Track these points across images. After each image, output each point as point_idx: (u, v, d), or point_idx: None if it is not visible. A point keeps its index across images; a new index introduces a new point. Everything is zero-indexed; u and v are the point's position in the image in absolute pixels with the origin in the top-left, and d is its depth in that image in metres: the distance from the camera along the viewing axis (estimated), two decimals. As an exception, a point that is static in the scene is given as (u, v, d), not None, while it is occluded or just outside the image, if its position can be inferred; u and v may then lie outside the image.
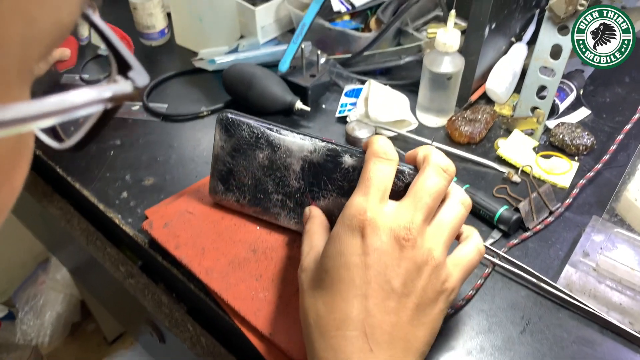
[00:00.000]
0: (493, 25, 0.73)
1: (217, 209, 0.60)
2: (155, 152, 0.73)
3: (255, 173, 0.56)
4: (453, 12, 0.69)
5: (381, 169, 0.45)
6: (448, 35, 0.69)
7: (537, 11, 0.83)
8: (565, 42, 0.66)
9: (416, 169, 0.48)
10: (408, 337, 0.42)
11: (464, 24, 0.87)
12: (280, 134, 0.54)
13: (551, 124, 0.75)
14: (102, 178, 0.69)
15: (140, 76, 0.22)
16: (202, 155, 0.72)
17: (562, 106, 0.76)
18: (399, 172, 0.47)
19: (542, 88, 0.72)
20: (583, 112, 0.79)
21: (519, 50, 0.79)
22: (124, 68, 0.23)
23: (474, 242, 0.48)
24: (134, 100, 0.21)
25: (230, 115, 0.55)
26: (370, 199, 0.43)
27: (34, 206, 0.77)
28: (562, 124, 0.73)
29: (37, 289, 1.56)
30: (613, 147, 0.69)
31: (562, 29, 0.65)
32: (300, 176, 0.54)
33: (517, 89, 0.78)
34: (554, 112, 0.75)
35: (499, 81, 0.76)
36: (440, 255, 0.43)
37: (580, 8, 0.62)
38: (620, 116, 0.78)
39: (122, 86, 0.21)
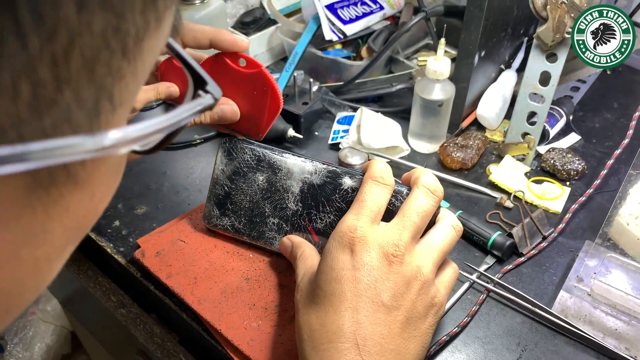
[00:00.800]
0: (482, 53, 0.74)
1: (210, 236, 0.60)
2: (147, 181, 0.72)
3: (253, 196, 0.56)
4: (443, 40, 0.70)
5: (376, 191, 0.47)
6: (438, 63, 0.70)
7: (525, 39, 0.85)
8: (554, 69, 0.67)
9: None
10: (399, 349, 0.42)
11: (454, 52, 0.88)
12: (282, 156, 0.55)
13: (542, 149, 0.76)
14: (94, 207, 0.68)
15: (215, 89, 0.26)
16: (195, 183, 0.72)
17: (553, 132, 0.77)
18: (397, 193, 0.49)
19: (532, 114, 0.73)
20: (573, 138, 0.80)
21: (509, 77, 0.80)
22: (201, 84, 0.26)
23: (451, 264, 0.50)
24: (212, 109, 0.27)
25: (233, 139, 0.56)
26: (361, 219, 0.46)
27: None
28: (553, 149, 0.74)
29: (26, 321, 1.53)
30: (604, 172, 0.70)
31: (550, 57, 0.67)
32: (299, 198, 0.55)
33: (508, 116, 0.79)
34: (544, 137, 0.76)
35: (490, 107, 0.77)
36: (429, 272, 0.45)
37: (567, 36, 0.63)
38: (610, 141, 0.79)
39: (206, 99, 0.25)
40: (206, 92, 0.26)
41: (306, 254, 0.52)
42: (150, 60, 0.22)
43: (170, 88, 0.51)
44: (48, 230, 0.21)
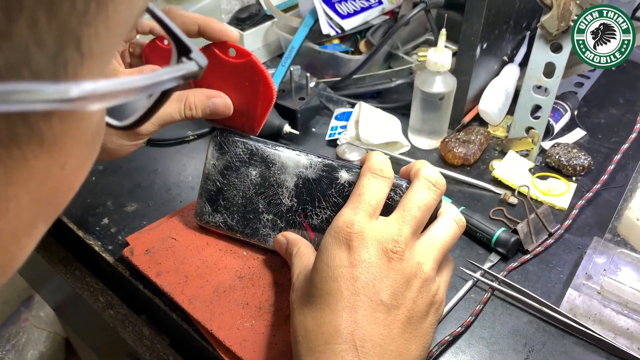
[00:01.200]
0: (484, 45, 0.71)
1: (202, 234, 0.58)
2: (138, 178, 0.70)
3: (247, 192, 0.54)
4: (444, 30, 0.68)
5: (375, 185, 0.44)
6: (439, 55, 0.68)
7: (528, 33, 0.83)
8: (559, 60, 0.64)
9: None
10: (400, 350, 0.40)
11: (454, 48, 0.85)
12: (276, 149, 0.53)
13: (546, 145, 0.73)
14: (83, 204, 0.66)
15: (200, 57, 0.24)
16: (187, 180, 0.70)
17: (557, 127, 0.74)
18: (397, 186, 0.47)
19: (536, 108, 0.70)
20: (578, 133, 0.77)
21: (511, 71, 0.78)
22: (184, 51, 0.25)
23: (449, 259, 0.48)
24: (197, 78, 0.24)
25: (225, 133, 0.54)
26: (359, 213, 0.43)
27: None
28: (558, 144, 0.71)
29: (19, 327, 1.50)
30: (611, 167, 0.67)
31: (555, 47, 0.64)
32: (293, 194, 0.52)
33: (510, 111, 0.77)
34: (548, 132, 0.74)
35: (492, 102, 0.75)
36: (430, 270, 0.42)
37: (572, 24, 0.61)
38: (616, 137, 0.77)
39: (189, 66, 0.23)
40: (190, 59, 0.24)
41: (302, 251, 0.49)
42: (125, 11, 0.19)
43: (156, 70, 0.49)
44: (11, 198, 0.19)
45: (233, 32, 0.50)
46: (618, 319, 0.52)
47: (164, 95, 0.25)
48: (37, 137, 0.18)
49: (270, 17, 0.92)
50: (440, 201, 0.46)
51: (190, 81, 0.53)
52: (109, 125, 0.28)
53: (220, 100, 0.51)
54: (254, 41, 0.90)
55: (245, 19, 0.92)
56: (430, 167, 0.46)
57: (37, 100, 0.16)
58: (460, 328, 0.52)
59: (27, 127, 0.18)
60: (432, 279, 0.43)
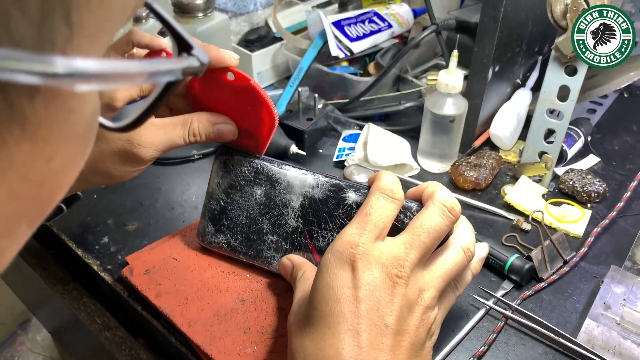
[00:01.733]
0: (496, 68, 0.70)
1: (205, 255, 0.56)
2: (141, 196, 0.68)
3: (251, 212, 0.52)
4: (455, 52, 0.67)
5: (383, 205, 0.42)
6: (451, 76, 0.67)
7: (540, 58, 0.82)
8: (573, 83, 0.63)
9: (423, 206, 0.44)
10: None
11: (464, 72, 0.85)
12: (282, 168, 0.51)
13: (559, 171, 0.71)
14: (83, 222, 0.64)
15: (202, 54, 0.23)
16: (191, 200, 0.68)
17: (570, 153, 0.73)
18: (406, 209, 0.45)
19: (549, 133, 0.69)
20: (592, 160, 0.75)
21: (523, 95, 0.77)
22: (185, 47, 0.24)
23: (451, 289, 0.45)
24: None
25: (230, 150, 0.52)
26: (364, 234, 0.41)
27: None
28: (572, 170, 0.69)
29: (15, 351, 1.47)
30: (627, 194, 0.66)
31: (570, 70, 0.63)
32: (299, 214, 0.50)
33: (522, 136, 0.75)
34: (562, 158, 0.72)
35: (504, 126, 0.73)
36: (432, 298, 0.41)
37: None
38: (631, 164, 0.75)
39: (190, 61, 0.22)
40: (191, 55, 0.23)
41: (307, 275, 0.47)
42: None
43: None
44: None
45: (231, 59, 0.47)
46: (639, 351, 0.49)
47: (167, 90, 0.23)
48: (19, 118, 0.16)
49: (279, 39, 0.92)
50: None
51: (191, 103, 0.51)
52: (104, 126, 0.26)
53: (225, 127, 0.50)
54: (262, 62, 0.89)
55: (254, 41, 0.92)
56: (445, 191, 0.44)
57: (17, 69, 0.14)
58: (472, 358, 0.49)
59: (6, 104, 0.16)
60: (432, 308, 0.41)
